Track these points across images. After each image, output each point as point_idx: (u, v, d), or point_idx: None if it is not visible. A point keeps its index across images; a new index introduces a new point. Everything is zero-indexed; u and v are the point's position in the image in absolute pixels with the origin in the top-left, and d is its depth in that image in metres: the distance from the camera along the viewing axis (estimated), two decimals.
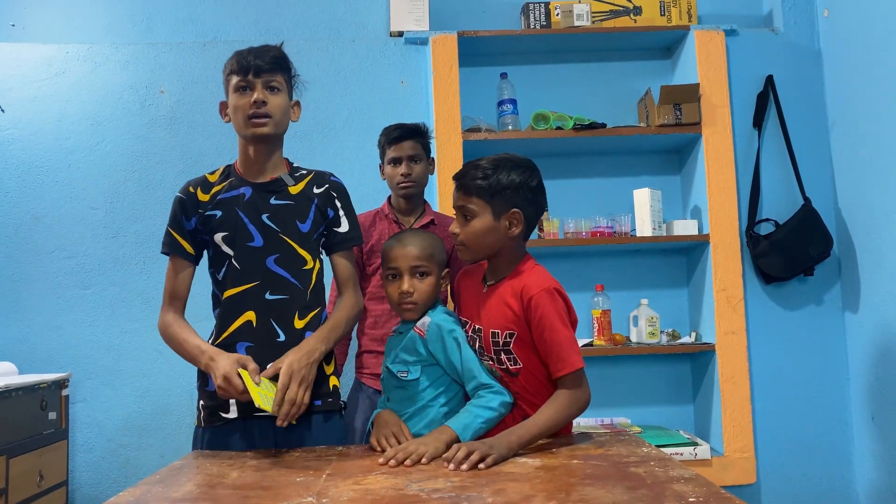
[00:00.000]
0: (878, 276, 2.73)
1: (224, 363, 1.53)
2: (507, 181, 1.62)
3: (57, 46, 2.99)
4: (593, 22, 3.04)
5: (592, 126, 2.87)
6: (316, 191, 1.76)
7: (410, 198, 2.35)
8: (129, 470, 2.84)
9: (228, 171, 1.77)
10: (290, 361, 1.57)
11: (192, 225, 1.72)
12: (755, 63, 3.04)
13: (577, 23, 3.01)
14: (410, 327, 1.69)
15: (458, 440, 1.49)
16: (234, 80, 1.68)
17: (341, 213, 1.79)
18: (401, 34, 3.05)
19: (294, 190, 1.74)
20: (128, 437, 2.86)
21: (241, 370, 1.52)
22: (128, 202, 2.96)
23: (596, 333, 2.85)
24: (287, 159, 1.81)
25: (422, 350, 1.65)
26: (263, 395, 1.49)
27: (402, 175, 2.30)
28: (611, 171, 3.13)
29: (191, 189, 1.73)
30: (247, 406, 1.64)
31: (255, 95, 1.65)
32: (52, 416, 2.61)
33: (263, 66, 1.66)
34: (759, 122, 3.02)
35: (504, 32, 2.97)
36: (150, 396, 2.88)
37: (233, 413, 1.66)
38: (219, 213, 1.70)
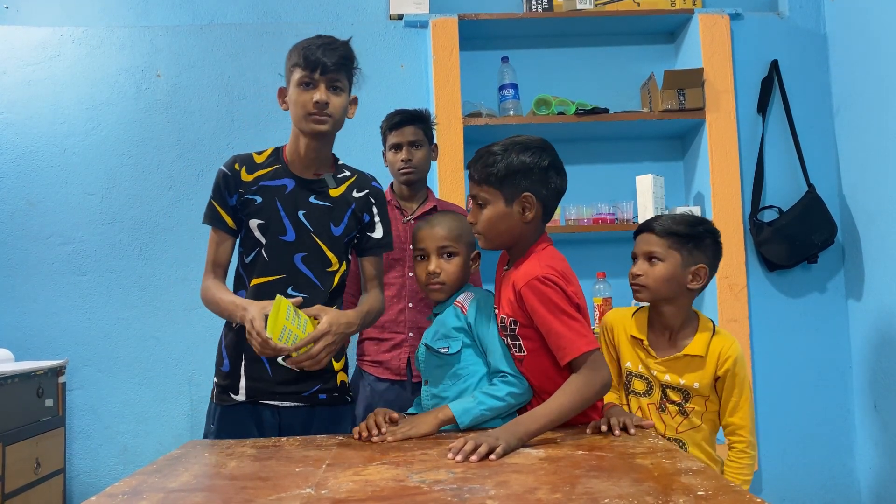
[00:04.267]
0: (882, 263, 2.71)
1: (252, 309, 1.54)
2: (517, 164, 1.55)
3: (51, 29, 2.94)
4: (596, 5, 2.99)
5: (595, 111, 2.84)
6: (355, 195, 1.78)
7: (412, 184, 2.32)
8: (127, 457, 2.83)
9: (277, 156, 1.77)
10: (332, 322, 1.57)
11: (234, 202, 1.73)
12: (760, 48, 3.01)
13: (579, 6, 2.97)
14: (447, 307, 1.67)
15: (453, 421, 1.48)
16: (299, 73, 1.65)
17: (377, 219, 1.81)
18: (400, 17, 3.01)
19: (335, 193, 1.76)
20: (125, 424, 2.85)
21: (283, 299, 1.51)
22: (124, 187, 2.92)
23: (597, 321, 2.82)
24: (334, 154, 1.81)
25: (462, 323, 1.62)
26: (288, 331, 1.49)
27: (402, 161, 2.28)
28: (613, 157, 3.10)
29: (236, 166, 1.73)
30: (254, 391, 1.70)
31: (319, 96, 1.63)
32: (49, 403, 2.58)
33: (330, 66, 1.63)
34: (763, 107, 2.98)
35: (506, 15, 2.93)
36: (147, 384, 2.87)
37: (241, 396, 1.71)
38: (258, 198, 1.71)
